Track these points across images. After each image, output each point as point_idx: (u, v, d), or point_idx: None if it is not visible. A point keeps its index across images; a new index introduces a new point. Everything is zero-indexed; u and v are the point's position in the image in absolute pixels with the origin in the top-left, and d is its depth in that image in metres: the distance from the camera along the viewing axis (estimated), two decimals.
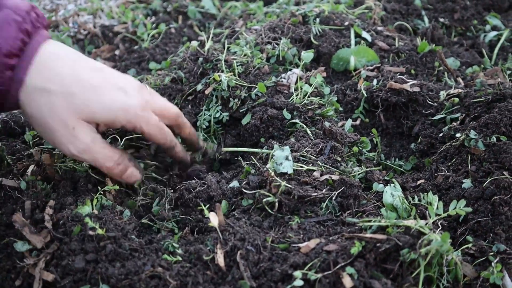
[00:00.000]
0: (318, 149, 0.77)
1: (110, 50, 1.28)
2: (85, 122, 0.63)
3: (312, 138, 0.81)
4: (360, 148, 0.83)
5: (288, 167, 0.71)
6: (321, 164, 0.74)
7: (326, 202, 0.69)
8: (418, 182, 0.78)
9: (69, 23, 1.34)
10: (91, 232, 0.59)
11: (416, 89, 0.91)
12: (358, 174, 0.76)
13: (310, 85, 0.94)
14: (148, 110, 0.68)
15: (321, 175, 0.71)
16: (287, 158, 0.72)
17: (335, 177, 0.71)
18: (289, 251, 0.60)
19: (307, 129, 0.82)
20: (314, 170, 0.72)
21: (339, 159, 0.77)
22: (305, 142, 0.78)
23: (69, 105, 0.61)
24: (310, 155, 0.75)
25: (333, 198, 0.69)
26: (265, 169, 0.71)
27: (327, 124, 0.82)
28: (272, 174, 0.69)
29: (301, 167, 0.72)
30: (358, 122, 0.93)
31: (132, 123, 0.66)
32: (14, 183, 0.71)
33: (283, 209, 0.68)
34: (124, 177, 0.70)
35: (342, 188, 0.70)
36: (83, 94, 0.61)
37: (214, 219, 0.61)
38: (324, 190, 0.69)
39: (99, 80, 0.64)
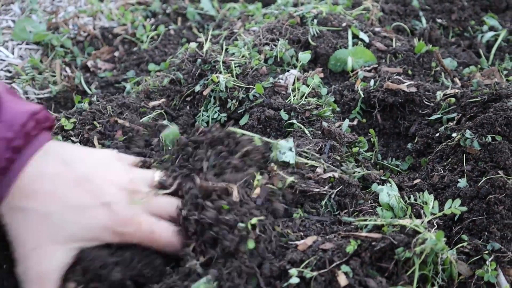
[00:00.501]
0: (318, 148, 0.78)
1: (110, 51, 1.29)
2: (54, 247, 0.57)
3: (310, 137, 0.81)
4: (358, 147, 0.84)
5: (290, 157, 0.72)
6: (323, 161, 0.75)
7: (325, 200, 0.70)
8: (415, 182, 0.78)
9: (69, 25, 1.35)
10: None
11: (413, 89, 0.91)
12: (359, 174, 0.77)
13: (308, 86, 0.95)
14: (135, 222, 0.61)
15: (324, 172, 0.72)
16: (290, 149, 0.73)
17: (337, 175, 0.72)
18: (287, 248, 0.61)
19: (305, 129, 0.83)
20: (317, 167, 0.73)
21: (338, 158, 0.78)
22: (305, 141, 0.79)
23: (44, 227, 0.57)
24: (313, 152, 0.76)
25: (332, 196, 0.70)
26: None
27: (325, 124, 0.83)
28: (275, 168, 0.70)
29: (306, 163, 0.73)
30: (355, 122, 0.94)
31: (118, 239, 0.60)
32: None
33: (286, 201, 0.69)
34: None
35: (341, 187, 0.71)
36: (60, 214, 0.57)
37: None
38: (326, 188, 0.70)
39: (81, 196, 0.59)
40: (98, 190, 0.60)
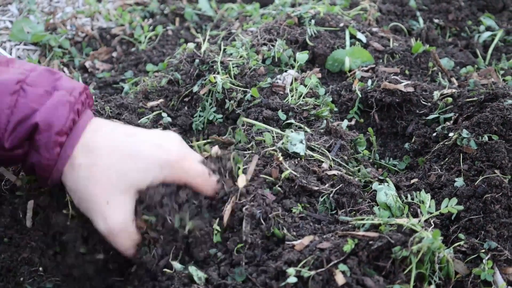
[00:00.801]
0: (327, 145, 0.78)
1: (108, 52, 1.29)
2: (122, 197, 0.62)
3: (312, 134, 0.82)
4: (360, 147, 0.84)
5: (301, 149, 0.73)
6: (331, 158, 0.75)
7: (324, 197, 0.70)
8: (412, 181, 0.79)
9: (67, 25, 1.35)
10: None
11: (410, 89, 0.92)
12: (359, 173, 0.78)
13: (305, 86, 0.95)
14: (188, 160, 0.65)
15: (330, 169, 0.73)
16: (301, 142, 0.74)
17: (340, 174, 0.73)
18: (284, 248, 0.61)
19: (307, 128, 0.83)
20: (323, 162, 0.74)
21: (345, 158, 0.79)
22: (315, 136, 0.80)
23: (107, 178, 0.61)
24: (322, 148, 0.76)
25: (331, 195, 0.70)
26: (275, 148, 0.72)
27: (334, 123, 0.84)
28: (280, 159, 0.70)
29: (312, 156, 0.74)
30: (353, 122, 0.94)
31: (171, 177, 0.64)
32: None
33: (286, 193, 0.70)
34: None
35: (340, 185, 0.71)
36: (120, 163, 0.62)
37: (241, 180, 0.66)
38: (327, 185, 0.71)
39: (135, 143, 0.63)
40: (149, 136, 0.65)
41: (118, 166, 0.61)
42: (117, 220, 0.61)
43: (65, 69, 1.23)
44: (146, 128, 0.73)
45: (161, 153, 0.63)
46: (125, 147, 0.63)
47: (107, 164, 0.61)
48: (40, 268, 0.66)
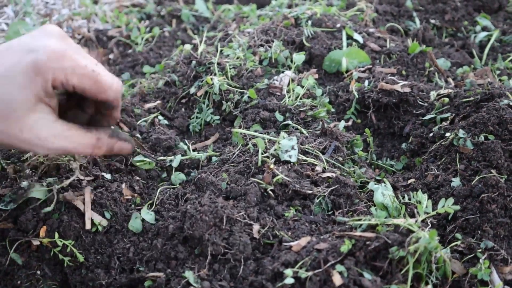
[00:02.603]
0: (322, 147, 0.78)
1: (104, 54, 1.29)
2: (32, 114, 0.54)
3: (307, 136, 0.82)
4: (356, 148, 0.84)
5: (293, 156, 0.73)
6: (325, 161, 0.75)
7: (319, 199, 0.70)
8: (409, 181, 0.79)
9: (63, 27, 1.35)
10: None
11: (407, 89, 0.92)
12: (355, 174, 0.78)
13: (302, 87, 0.95)
14: (71, 57, 0.55)
15: (324, 171, 0.73)
16: (293, 148, 0.74)
17: (335, 175, 0.73)
18: (281, 250, 0.61)
19: (303, 130, 0.83)
20: (317, 165, 0.74)
21: (340, 159, 0.79)
22: (309, 139, 0.80)
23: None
24: (316, 151, 0.76)
25: (326, 196, 0.70)
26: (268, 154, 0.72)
27: (330, 124, 0.84)
28: (272, 166, 0.70)
29: (305, 160, 0.74)
30: (350, 123, 0.94)
31: (56, 82, 0.54)
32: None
33: (279, 198, 0.70)
34: (114, 153, 0.64)
35: (336, 186, 0.71)
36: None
37: None
38: (321, 188, 0.71)
39: (11, 57, 0.54)
40: (22, 43, 0.55)
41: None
42: (44, 134, 0.54)
43: None
44: None
45: (35, 55, 0.53)
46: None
47: None
48: (38, 272, 0.65)
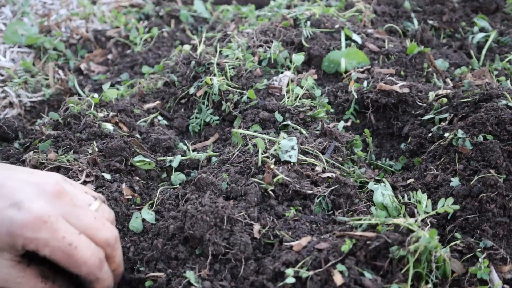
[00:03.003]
0: (322, 147, 0.78)
1: (103, 54, 1.29)
2: None
3: (307, 136, 0.82)
4: (356, 148, 0.85)
5: (293, 156, 0.73)
6: (326, 160, 0.75)
7: (319, 199, 0.70)
8: (408, 181, 0.79)
9: (62, 28, 1.34)
10: None
11: (406, 90, 0.92)
12: (355, 174, 0.78)
13: (302, 87, 0.95)
14: (51, 227, 0.51)
15: (323, 171, 0.73)
16: (293, 148, 0.74)
17: (335, 175, 0.73)
18: (281, 249, 0.61)
19: (302, 130, 0.84)
20: (317, 165, 0.74)
21: (340, 159, 0.79)
22: (308, 139, 0.80)
23: None
24: (316, 151, 0.77)
25: (326, 196, 0.71)
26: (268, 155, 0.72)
27: (330, 124, 0.84)
28: (272, 166, 0.70)
29: (305, 161, 0.74)
30: (349, 123, 0.95)
31: (26, 248, 0.51)
32: None
33: (279, 198, 0.70)
34: None
35: (336, 186, 0.71)
36: None
37: None
38: (321, 187, 0.71)
39: None
40: (11, 192, 0.51)
41: None
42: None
43: (60, 71, 1.22)
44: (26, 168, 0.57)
45: (16, 215, 0.50)
46: None
47: None
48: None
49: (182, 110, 0.98)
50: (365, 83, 0.97)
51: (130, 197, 0.74)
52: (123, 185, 0.74)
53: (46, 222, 0.50)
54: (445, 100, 0.90)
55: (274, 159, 0.74)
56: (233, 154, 0.80)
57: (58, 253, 0.51)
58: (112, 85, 1.16)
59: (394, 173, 0.86)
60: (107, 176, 0.75)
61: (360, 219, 0.64)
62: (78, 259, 0.52)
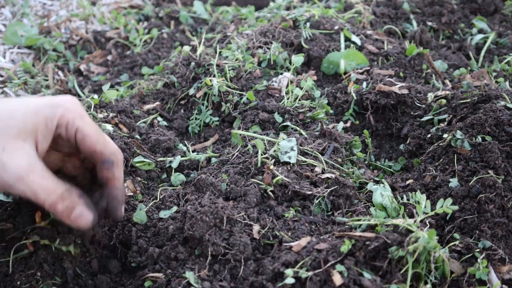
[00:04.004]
0: (321, 148, 0.79)
1: (103, 55, 1.29)
2: (20, 140, 0.53)
3: (306, 137, 0.82)
4: (355, 149, 0.85)
5: (292, 157, 0.73)
6: (325, 160, 0.75)
7: (318, 200, 0.70)
8: (407, 182, 0.79)
9: (61, 29, 1.35)
10: None
11: (405, 91, 0.93)
12: (354, 175, 0.78)
13: (301, 88, 0.96)
14: (82, 108, 0.59)
15: (323, 172, 0.73)
16: (292, 149, 0.74)
17: (334, 176, 0.73)
18: (281, 250, 0.61)
19: (302, 131, 0.84)
20: (316, 166, 0.74)
21: (339, 160, 0.79)
22: (309, 139, 0.80)
23: None
24: (316, 152, 0.77)
25: (325, 196, 0.71)
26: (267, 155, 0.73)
27: (329, 125, 0.84)
28: (271, 167, 0.71)
29: (304, 161, 0.74)
30: (348, 124, 0.95)
31: (63, 118, 0.57)
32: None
33: (279, 198, 0.70)
34: (71, 218, 0.56)
35: (335, 187, 0.72)
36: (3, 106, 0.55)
37: None
38: (320, 188, 0.71)
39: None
40: (35, 99, 0.57)
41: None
42: (21, 164, 0.53)
43: (60, 72, 1.22)
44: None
45: (47, 97, 0.57)
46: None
47: None
48: (38, 273, 0.65)
49: (182, 111, 0.99)
50: (364, 84, 0.97)
51: (132, 193, 0.74)
52: (128, 180, 0.74)
53: (79, 105, 0.59)
54: (444, 101, 0.90)
55: (274, 160, 0.75)
56: (233, 155, 0.81)
57: (89, 128, 0.58)
58: (111, 86, 1.16)
59: (393, 173, 0.86)
60: None
61: (359, 220, 0.64)
62: (106, 138, 0.60)
